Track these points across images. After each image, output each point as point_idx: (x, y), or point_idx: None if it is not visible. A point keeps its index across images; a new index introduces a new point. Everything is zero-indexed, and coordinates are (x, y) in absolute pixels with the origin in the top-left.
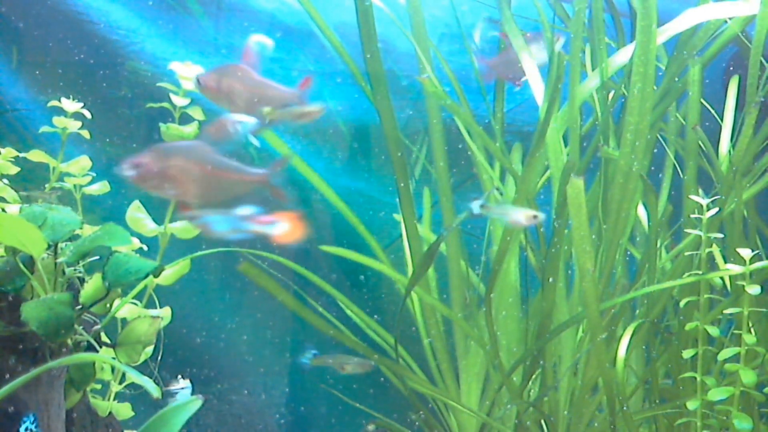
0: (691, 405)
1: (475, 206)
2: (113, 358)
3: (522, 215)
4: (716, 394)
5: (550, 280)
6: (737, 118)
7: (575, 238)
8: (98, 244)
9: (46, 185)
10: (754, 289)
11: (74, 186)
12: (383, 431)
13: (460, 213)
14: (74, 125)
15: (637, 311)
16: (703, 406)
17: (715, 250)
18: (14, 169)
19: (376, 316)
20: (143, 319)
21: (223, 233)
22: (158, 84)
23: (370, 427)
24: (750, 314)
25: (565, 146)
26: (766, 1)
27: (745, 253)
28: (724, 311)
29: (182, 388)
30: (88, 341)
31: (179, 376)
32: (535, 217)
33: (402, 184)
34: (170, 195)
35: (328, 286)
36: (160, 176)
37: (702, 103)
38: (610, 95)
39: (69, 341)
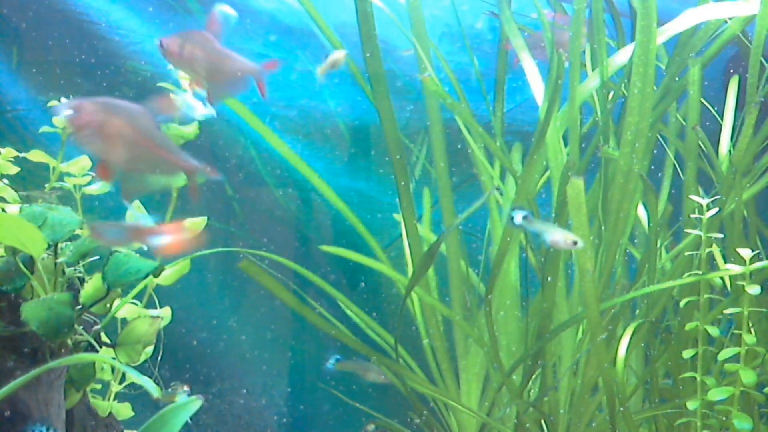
0: (691, 405)
1: (517, 217)
2: (113, 358)
3: (562, 237)
4: (716, 394)
5: (549, 278)
6: (737, 118)
7: None
8: (98, 244)
9: (46, 185)
10: (754, 289)
11: (74, 186)
12: (383, 431)
13: (460, 213)
14: None
15: (637, 311)
16: (703, 406)
17: (715, 250)
18: (14, 169)
19: (374, 313)
20: (143, 319)
21: (113, 242)
22: (158, 84)
23: (370, 427)
24: (750, 314)
25: (565, 146)
26: (766, 1)
27: (745, 253)
28: (724, 311)
29: (183, 392)
30: (88, 341)
31: (179, 385)
32: (575, 242)
33: (402, 184)
34: (97, 151)
35: (328, 285)
36: (97, 130)
37: (702, 103)
38: (610, 95)
39: (69, 341)
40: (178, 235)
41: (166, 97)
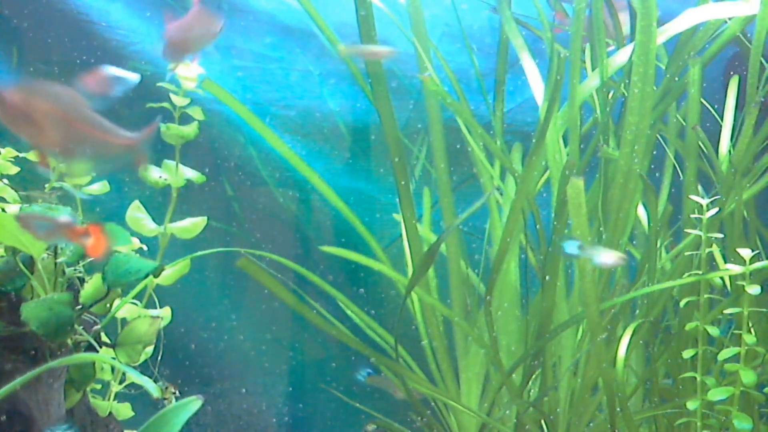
0: (691, 405)
1: (571, 247)
2: (113, 358)
3: (612, 257)
4: (716, 394)
5: (548, 278)
6: (737, 118)
7: None
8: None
9: (46, 185)
10: (754, 289)
11: (74, 186)
12: (383, 431)
13: (460, 213)
14: None
15: (637, 311)
16: (703, 406)
17: (715, 250)
18: (14, 169)
19: (373, 312)
20: (143, 319)
21: (41, 235)
22: (158, 84)
23: (370, 427)
24: (750, 314)
25: (565, 146)
26: (766, 1)
27: (745, 253)
28: (724, 311)
29: (172, 393)
30: (88, 341)
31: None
32: (624, 259)
33: (402, 184)
34: (29, 138)
35: (328, 285)
36: (23, 115)
37: (702, 103)
38: (610, 95)
39: (69, 341)
40: (97, 236)
41: (95, 73)
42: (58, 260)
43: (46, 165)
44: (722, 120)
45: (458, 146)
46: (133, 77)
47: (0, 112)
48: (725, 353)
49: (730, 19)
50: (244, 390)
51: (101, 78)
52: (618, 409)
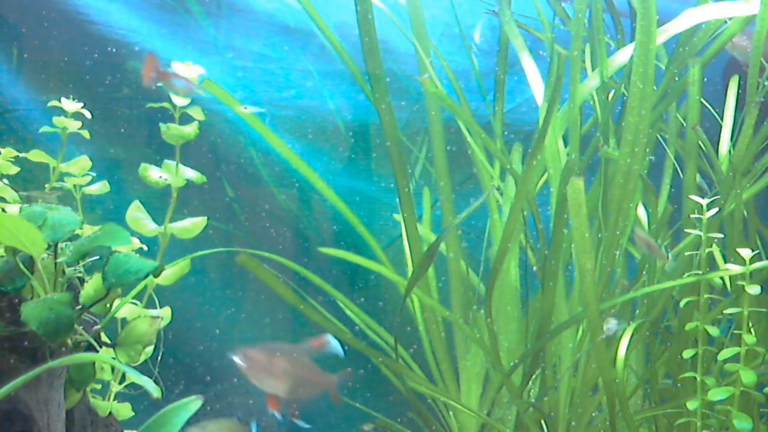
0: (691, 405)
1: (610, 326)
2: (113, 358)
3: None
4: (716, 394)
5: (549, 283)
6: (737, 118)
7: (575, 238)
8: (98, 244)
9: (46, 185)
10: (754, 289)
11: (74, 186)
12: (382, 431)
13: (460, 213)
14: (74, 125)
15: (637, 311)
16: (703, 406)
17: (715, 250)
18: (14, 169)
19: (372, 312)
20: (143, 319)
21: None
22: (158, 84)
23: (367, 427)
24: (750, 314)
25: (565, 146)
26: (766, 1)
27: (745, 253)
28: (724, 311)
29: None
30: (88, 341)
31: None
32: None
33: (402, 184)
34: (267, 388)
35: (328, 286)
36: (265, 371)
37: (702, 103)
38: (610, 95)
39: (69, 341)
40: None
41: (321, 338)
42: (58, 260)
43: (276, 408)
44: (722, 120)
45: (455, 148)
46: (339, 350)
47: (249, 369)
48: (725, 353)
49: (730, 19)
50: (244, 390)
51: (322, 342)
52: (618, 409)
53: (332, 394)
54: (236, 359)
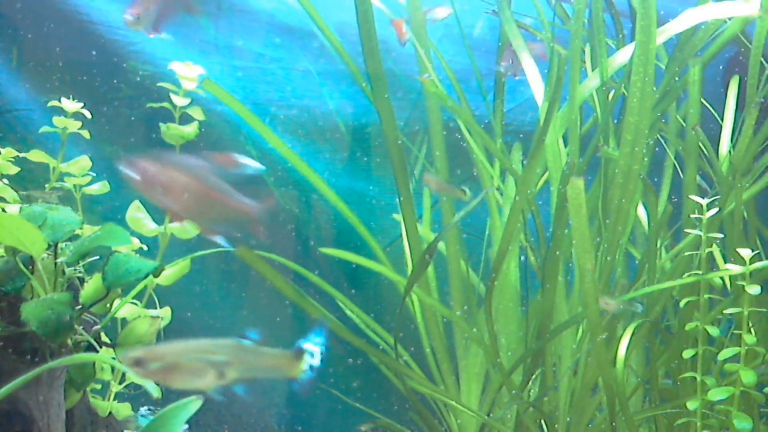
0: (691, 405)
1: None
2: (113, 358)
3: None
4: (716, 394)
5: (547, 284)
6: (737, 118)
7: (575, 238)
8: (98, 244)
9: (46, 185)
10: (754, 289)
11: (74, 186)
12: (382, 431)
13: (459, 212)
14: (74, 125)
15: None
16: (703, 406)
17: (715, 250)
18: (14, 169)
19: (372, 313)
20: (143, 319)
21: None
22: (158, 84)
23: (364, 427)
24: (750, 314)
25: (565, 146)
26: (766, 2)
27: (745, 253)
28: (724, 311)
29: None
30: (88, 341)
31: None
32: None
33: (402, 184)
34: (163, 205)
35: (328, 286)
36: (161, 185)
37: (702, 103)
38: (610, 95)
39: (69, 341)
40: None
41: (228, 154)
42: (58, 260)
43: (180, 221)
44: (722, 120)
45: (457, 147)
46: (257, 166)
47: (141, 183)
48: (725, 353)
49: (730, 19)
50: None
51: (230, 159)
52: (618, 409)
53: (252, 225)
54: (123, 169)
